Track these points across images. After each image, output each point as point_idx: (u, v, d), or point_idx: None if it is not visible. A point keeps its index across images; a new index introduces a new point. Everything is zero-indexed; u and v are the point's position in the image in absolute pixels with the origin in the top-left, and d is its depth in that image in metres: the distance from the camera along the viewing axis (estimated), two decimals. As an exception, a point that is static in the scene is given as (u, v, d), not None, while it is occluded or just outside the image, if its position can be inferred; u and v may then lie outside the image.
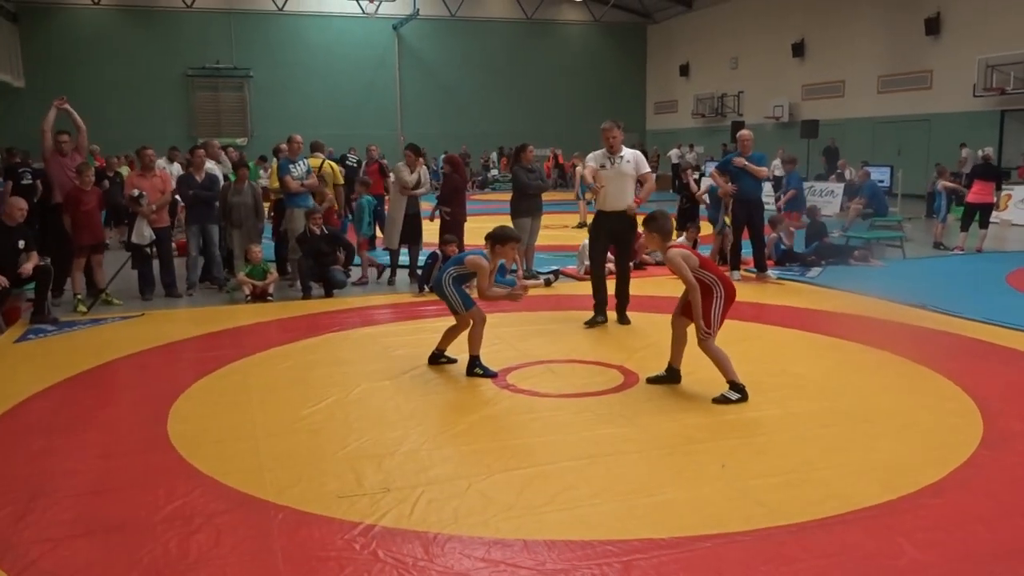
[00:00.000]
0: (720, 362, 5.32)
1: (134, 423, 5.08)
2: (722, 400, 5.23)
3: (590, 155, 7.91)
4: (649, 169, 7.98)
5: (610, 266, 8.03)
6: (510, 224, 10.19)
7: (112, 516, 3.76)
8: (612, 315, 7.78)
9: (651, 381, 5.72)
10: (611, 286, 7.83)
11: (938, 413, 5.08)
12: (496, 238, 6.02)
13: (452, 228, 10.04)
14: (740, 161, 9.70)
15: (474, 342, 5.98)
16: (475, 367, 5.96)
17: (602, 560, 3.29)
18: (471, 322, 5.97)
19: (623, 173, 7.61)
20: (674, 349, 5.66)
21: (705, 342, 5.32)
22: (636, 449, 4.53)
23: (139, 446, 4.67)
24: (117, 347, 6.98)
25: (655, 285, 9.60)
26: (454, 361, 6.22)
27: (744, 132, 10.46)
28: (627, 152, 7.71)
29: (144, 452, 4.56)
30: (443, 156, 10.95)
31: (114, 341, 7.23)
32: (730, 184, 10.13)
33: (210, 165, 10.17)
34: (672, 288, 9.31)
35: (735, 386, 5.28)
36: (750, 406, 5.22)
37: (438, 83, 33.36)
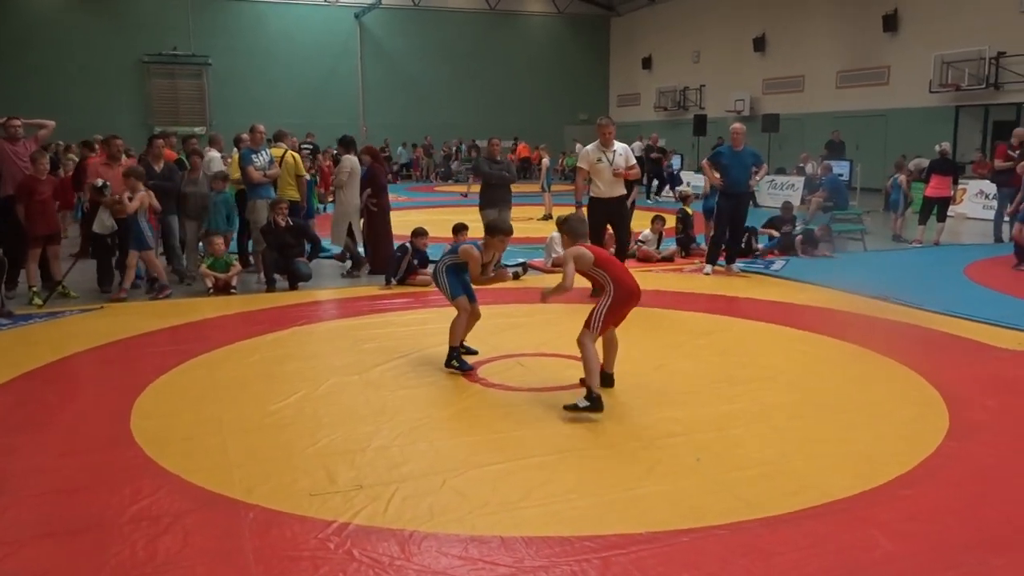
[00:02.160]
0: (588, 364, 4.92)
1: (96, 420, 4.94)
2: (572, 408, 4.85)
3: (586, 148, 8.79)
4: (635, 161, 8.90)
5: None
6: (478, 215, 10.20)
7: (76, 517, 3.65)
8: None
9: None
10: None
11: (905, 404, 5.15)
12: (485, 228, 6.08)
13: (379, 217, 10.15)
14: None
15: (454, 332, 5.91)
16: (452, 359, 5.89)
17: (580, 556, 3.27)
18: (463, 303, 5.91)
19: (616, 165, 8.58)
20: (605, 354, 5.36)
21: (580, 337, 4.96)
22: (611, 443, 4.52)
23: (102, 444, 4.54)
24: (76, 341, 6.80)
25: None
26: (474, 352, 6.12)
27: (737, 125, 10.27)
28: (618, 146, 8.68)
29: (107, 450, 4.44)
30: (362, 148, 10.80)
31: (73, 335, 7.04)
32: (718, 176, 10.07)
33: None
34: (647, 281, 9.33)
35: (590, 395, 4.84)
36: (723, 399, 5.24)
37: (401, 73, 33.07)
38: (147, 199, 8.67)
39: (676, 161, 24.40)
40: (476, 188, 22.58)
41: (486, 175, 10.12)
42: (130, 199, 8.52)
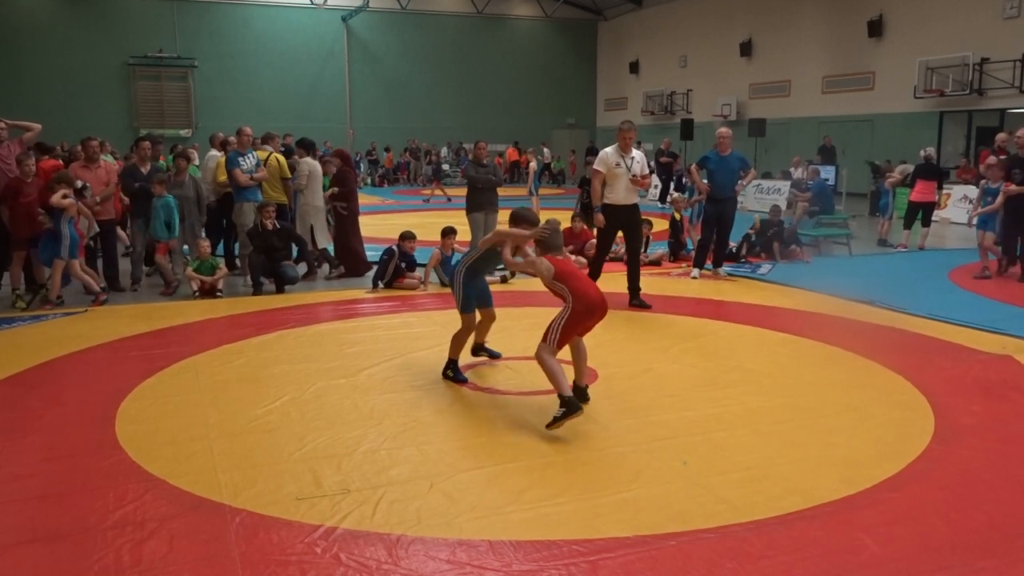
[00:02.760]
0: (551, 376, 4.73)
1: (80, 424, 4.90)
2: (552, 423, 4.65)
3: (604, 151, 8.43)
4: (647, 171, 8.63)
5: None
6: (465, 219, 10.20)
7: (59, 522, 3.62)
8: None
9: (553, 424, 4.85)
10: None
11: (890, 408, 5.18)
12: (511, 218, 5.47)
13: (349, 221, 10.16)
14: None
15: (455, 344, 5.79)
16: (448, 369, 5.81)
17: (568, 560, 3.27)
18: (470, 321, 5.76)
19: (633, 171, 8.30)
20: (575, 365, 5.19)
21: (538, 352, 4.80)
22: (598, 447, 4.52)
23: (86, 448, 4.50)
24: (60, 345, 6.74)
25: (610, 281, 9.63)
26: (497, 355, 6.16)
27: (723, 130, 10.30)
28: (636, 153, 8.39)
29: (92, 454, 4.40)
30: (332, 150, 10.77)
31: (57, 338, 6.98)
32: (705, 181, 10.12)
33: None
34: (622, 285, 9.34)
35: (562, 401, 4.67)
36: (709, 402, 5.26)
37: (388, 76, 33.04)
38: (75, 208, 8.30)
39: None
40: (439, 192, 22.41)
41: (472, 179, 10.13)
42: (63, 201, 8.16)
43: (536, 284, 9.34)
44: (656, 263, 11.16)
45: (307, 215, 10.18)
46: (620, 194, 8.27)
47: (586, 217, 12.50)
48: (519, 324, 7.55)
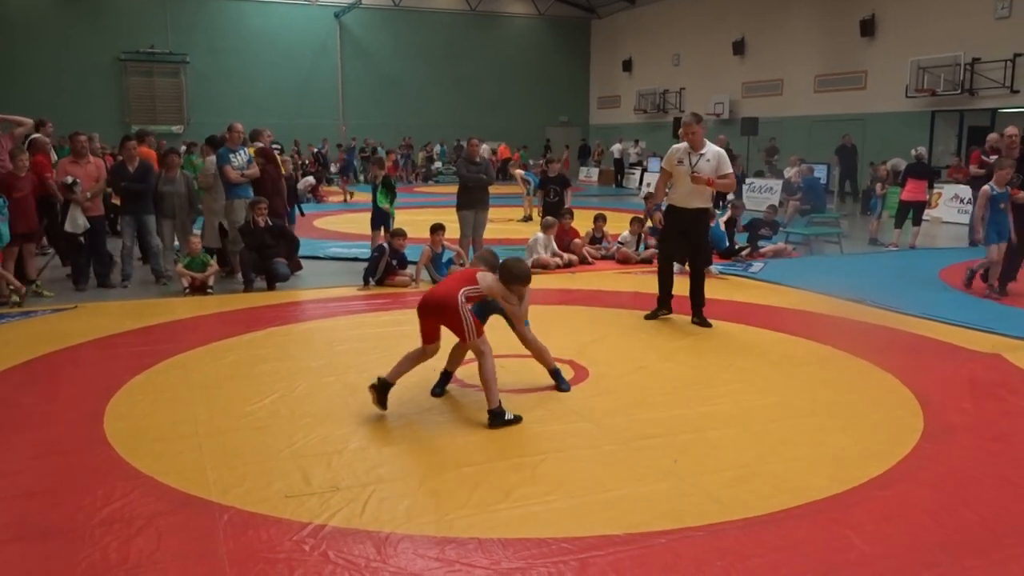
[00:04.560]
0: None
1: (69, 421, 4.87)
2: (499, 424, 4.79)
3: (673, 147, 7.58)
4: (731, 170, 7.46)
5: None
6: (455, 216, 10.17)
7: (47, 519, 3.59)
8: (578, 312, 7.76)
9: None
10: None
11: (880, 406, 5.18)
12: (501, 276, 5.22)
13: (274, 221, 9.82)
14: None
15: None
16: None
17: (558, 558, 3.26)
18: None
19: (699, 170, 7.25)
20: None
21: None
22: (589, 445, 4.52)
23: (75, 445, 4.48)
24: (49, 341, 6.71)
25: (602, 279, 9.64)
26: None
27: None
28: (710, 149, 7.35)
29: (80, 451, 4.38)
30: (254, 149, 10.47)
31: (46, 334, 6.95)
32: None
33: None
34: (614, 283, 9.36)
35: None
36: (700, 401, 5.26)
37: (381, 73, 32.95)
38: None
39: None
40: (352, 197, 21.95)
41: (463, 177, 10.10)
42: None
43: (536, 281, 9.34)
44: (648, 261, 11.16)
45: (216, 212, 9.90)
46: (680, 195, 7.42)
47: (554, 215, 12.10)
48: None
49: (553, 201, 12.45)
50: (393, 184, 10.87)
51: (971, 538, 3.46)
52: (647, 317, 7.67)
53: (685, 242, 7.58)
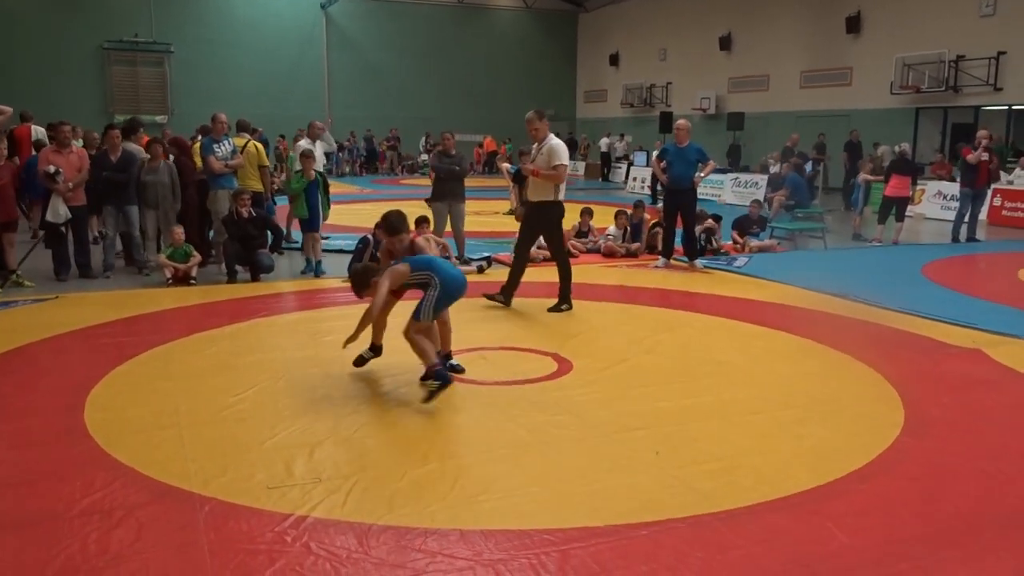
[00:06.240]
0: (422, 352, 5.08)
1: (48, 411, 4.83)
2: (431, 398, 4.86)
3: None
4: (561, 162, 7.66)
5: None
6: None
7: (26, 510, 3.57)
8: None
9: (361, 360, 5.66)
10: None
11: (861, 400, 5.22)
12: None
13: (187, 212, 9.83)
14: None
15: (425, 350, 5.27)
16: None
17: (539, 549, 3.27)
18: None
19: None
20: (442, 335, 5.52)
21: (408, 330, 5.13)
22: (571, 437, 4.53)
23: (54, 436, 4.44)
24: (30, 331, 6.64)
25: (587, 272, 9.65)
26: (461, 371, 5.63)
27: (680, 121, 10.53)
28: (547, 143, 7.75)
29: (60, 442, 4.35)
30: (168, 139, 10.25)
31: (26, 325, 6.88)
32: (664, 174, 10.26)
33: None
34: (599, 276, 9.39)
35: (434, 375, 4.98)
36: (682, 393, 5.28)
37: (367, 65, 32.79)
38: None
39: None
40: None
41: (436, 168, 10.21)
42: None
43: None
44: (633, 255, 11.18)
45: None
46: (529, 189, 7.95)
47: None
48: (496, 314, 7.57)
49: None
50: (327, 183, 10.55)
51: (948, 530, 3.50)
52: (488, 296, 7.87)
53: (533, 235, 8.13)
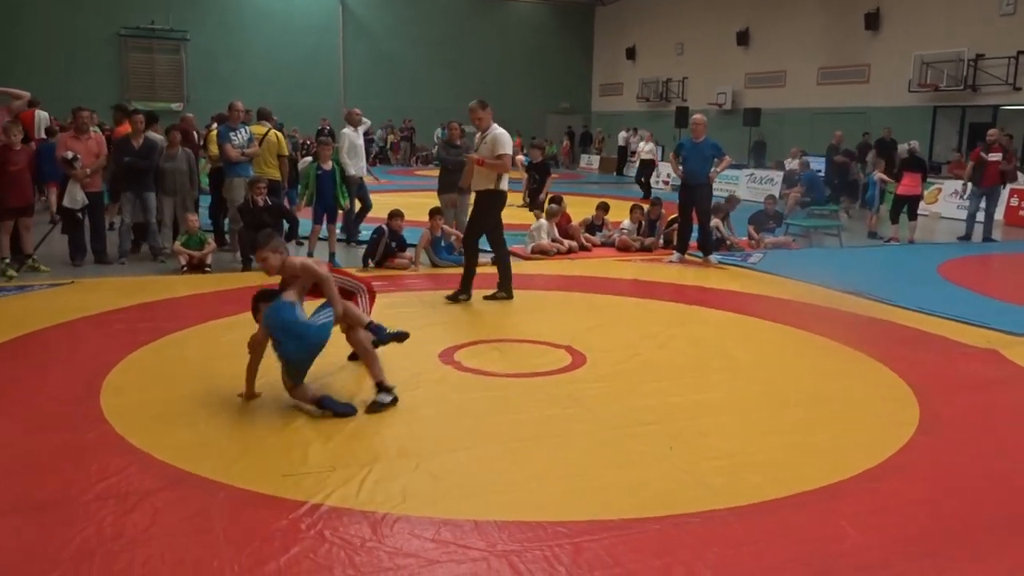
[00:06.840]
0: (373, 360, 4.89)
1: (65, 396, 4.87)
2: (374, 407, 4.72)
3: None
4: (505, 151, 7.62)
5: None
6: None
7: (42, 493, 3.60)
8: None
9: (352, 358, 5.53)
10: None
11: (875, 398, 5.20)
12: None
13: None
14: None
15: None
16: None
17: (552, 541, 3.28)
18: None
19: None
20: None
21: (355, 337, 4.97)
22: (584, 430, 4.53)
23: (70, 420, 4.47)
24: (45, 316, 6.69)
25: (602, 266, 9.65)
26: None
27: (697, 116, 10.51)
28: (490, 132, 7.75)
29: (76, 427, 4.38)
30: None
31: (42, 309, 6.93)
32: (680, 168, 10.24)
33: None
34: (614, 270, 9.38)
35: (385, 388, 4.80)
36: (695, 389, 5.27)
37: (383, 54, 32.75)
38: None
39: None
40: None
41: (443, 160, 10.30)
42: None
43: (527, 267, 9.35)
44: (648, 249, 11.16)
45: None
46: (474, 178, 7.82)
47: (532, 202, 12.90)
48: (509, 307, 7.57)
49: (532, 188, 13.13)
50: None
51: (961, 529, 3.48)
52: (448, 298, 7.70)
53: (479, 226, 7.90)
